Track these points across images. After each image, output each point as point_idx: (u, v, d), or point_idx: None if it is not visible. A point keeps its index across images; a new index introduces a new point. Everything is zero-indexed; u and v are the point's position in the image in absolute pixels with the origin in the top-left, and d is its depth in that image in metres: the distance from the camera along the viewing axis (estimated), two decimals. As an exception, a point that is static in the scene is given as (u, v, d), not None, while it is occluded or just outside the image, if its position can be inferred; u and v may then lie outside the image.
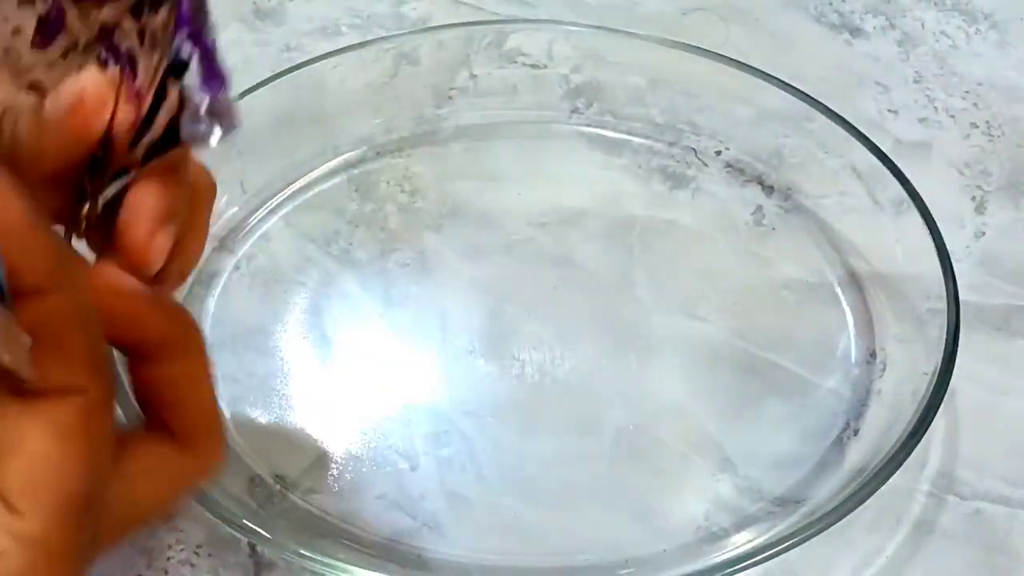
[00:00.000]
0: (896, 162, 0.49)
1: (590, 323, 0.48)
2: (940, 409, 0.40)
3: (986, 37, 0.61)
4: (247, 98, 0.50)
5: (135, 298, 0.28)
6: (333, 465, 0.43)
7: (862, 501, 0.38)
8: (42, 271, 0.24)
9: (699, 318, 0.48)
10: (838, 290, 0.49)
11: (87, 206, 0.31)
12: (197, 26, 0.30)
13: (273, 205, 0.52)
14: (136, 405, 0.30)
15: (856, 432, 0.44)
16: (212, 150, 0.31)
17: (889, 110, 0.57)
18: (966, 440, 0.44)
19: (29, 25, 0.30)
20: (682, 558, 0.40)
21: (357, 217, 0.52)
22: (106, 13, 0.30)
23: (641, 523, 0.42)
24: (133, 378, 0.29)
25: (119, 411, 0.38)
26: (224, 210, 0.51)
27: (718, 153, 0.54)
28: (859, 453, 0.43)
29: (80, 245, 0.31)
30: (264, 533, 0.38)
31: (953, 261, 0.45)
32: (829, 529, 0.38)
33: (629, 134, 0.55)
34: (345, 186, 0.53)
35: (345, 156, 0.54)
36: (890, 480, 0.39)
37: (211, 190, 0.33)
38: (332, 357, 0.46)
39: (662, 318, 0.48)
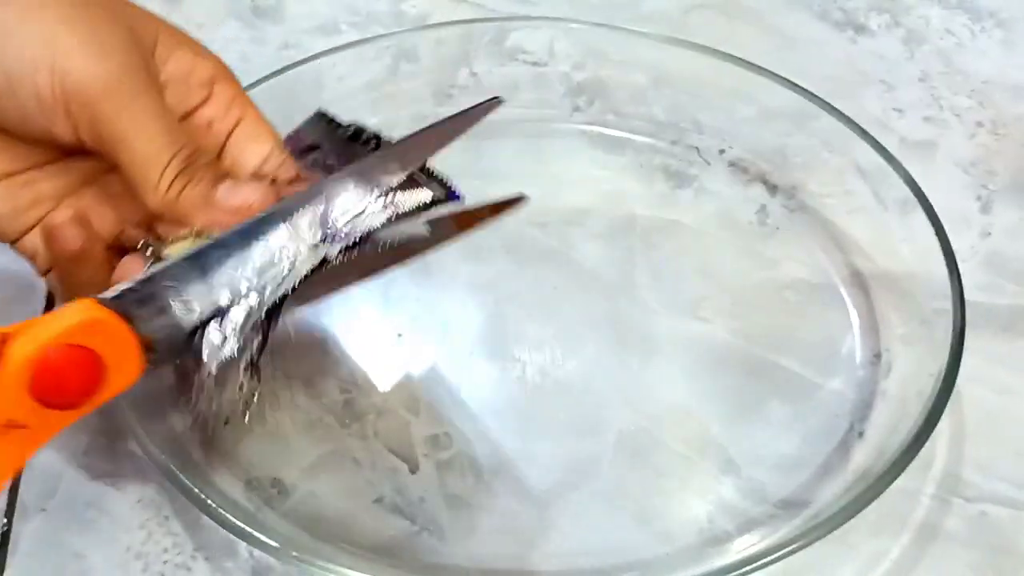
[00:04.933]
0: (901, 161, 0.48)
1: (591, 324, 0.47)
2: (946, 410, 0.40)
3: (991, 35, 0.61)
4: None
5: None
6: (331, 468, 0.43)
7: (867, 503, 0.38)
8: None
9: (702, 319, 0.48)
10: (842, 290, 0.49)
11: None
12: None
13: (272, 204, 0.52)
14: None
15: (861, 434, 0.43)
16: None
17: (894, 109, 0.57)
18: (972, 442, 0.44)
19: None
20: (685, 561, 0.40)
21: (356, 216, 0.51)
22: None
23: (643, 525, 0.41)
24: None
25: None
26: (222, 209, 0.50)
27: (721, 152, 0.54)
28: (864, 455, 0.42)
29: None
30: (262, 537, 0.38)
31: (959, 261, 0.45)
32: (833, 532, 0.38)
33: (631, 132, 0.55)
34: (344, 185, 0.53)
35: (344, 155, 0.54)
36: (895, 482, 0.38)
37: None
38: (331, 358, 0.46)
39: (664, 319, 0.48)
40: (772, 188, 0.53)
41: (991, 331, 0.48)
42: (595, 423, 0.44)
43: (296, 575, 0.40)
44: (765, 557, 0.37)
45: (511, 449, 0.43)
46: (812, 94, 0.51)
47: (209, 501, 0.38)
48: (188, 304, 0.34)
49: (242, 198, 0.36)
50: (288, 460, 0.43)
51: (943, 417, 0.40)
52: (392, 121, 0.54)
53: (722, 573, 0.37)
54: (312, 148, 0.40)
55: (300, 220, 0.35)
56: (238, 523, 0.38)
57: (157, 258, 0.35)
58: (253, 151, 0.39)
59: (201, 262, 0.34)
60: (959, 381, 0.41)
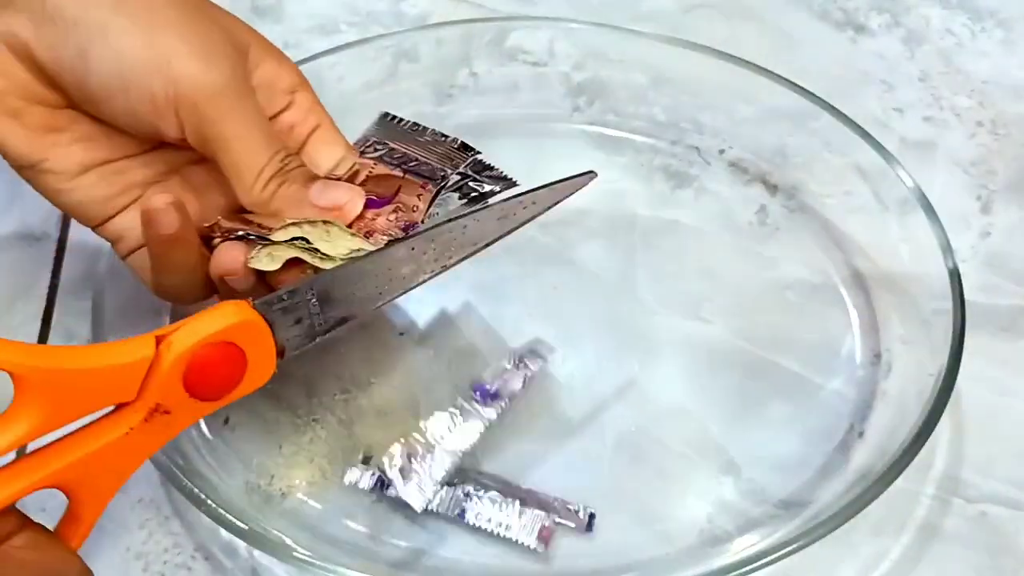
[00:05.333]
0: (901, 161, 0.48)
1: (591, 324, 0.47)
2: (945, 411, 0.40)
3: (991, 35, 0.61)
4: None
5: None
6: (331, 468, 0.43)
7: (867, 504, 0.38)
8: None
9: (702, 319, 0.47)
10: (843, 291, 0.49)
11: None
12: None
13: (272, 204, 0.52)
14: None
15: (861, 434, 0.43)
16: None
17: (894, 108, 0.57)
18: (972, 442, 0.44)
19: None
20: (685, 561, 0.40)
21: (357, 216, 0.51)
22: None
23: (644, 526, 0.41)
24: None
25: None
26: (222, 209, 0.50)
27: (721, 152, 0.54)
28: (864, 455, 0.42)
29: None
30: (261, 536, 0.38)
31: (958, 261, 0.45)
32: (833, 532, 0.38)
33: (631, 132, 0.55)
34: (344, 185, 0.53)
35: (344, 155, 0.53)
36: (895, 482, 0.38)
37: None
38: (331, 358, 0.46)
39: (664, 319, 0.47)
40: (772, 188, 0.53)
41: (991, 331, 0.48)
42: (595, 423, 0.44)
43: (296, 575, 0.40)
44: (765, 557, 0.37)
45: (511, 449, 0.43)
46: (812, 94, 0.51)
47: (209, 501, 0.38)
48: (320, 319, 0.37)
49: (334, 198, 0.39)
50: (288, 460, 0.43)
51: (943, 417, 0.40)
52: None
53: (722, 573, 0.37)
54: (378, 144, 0.44)
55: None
56: (238, 523, 0.38)
57: (265, 242, 0.38)
58: (328, 155, 0.42)
59: (324, 286, 0.37)
60: (959, 381, 0.41)
